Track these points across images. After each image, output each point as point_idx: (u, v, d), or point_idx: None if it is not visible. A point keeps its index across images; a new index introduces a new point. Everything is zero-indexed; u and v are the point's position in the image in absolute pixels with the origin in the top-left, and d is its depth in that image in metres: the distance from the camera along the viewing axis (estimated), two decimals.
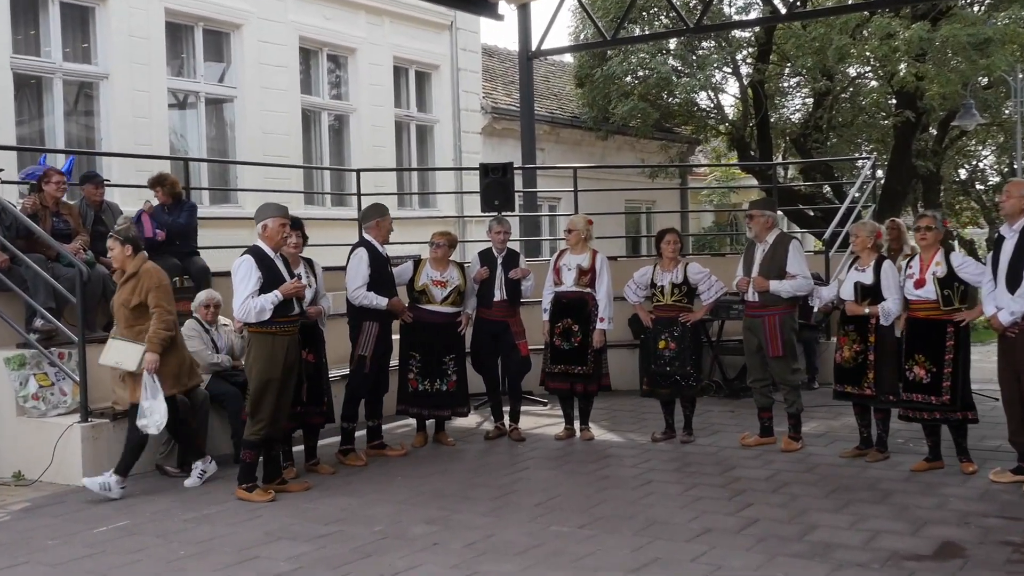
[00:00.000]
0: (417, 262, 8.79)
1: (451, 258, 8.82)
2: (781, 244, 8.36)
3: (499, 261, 9.06)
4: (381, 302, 8.16)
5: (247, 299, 6.97)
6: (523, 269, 9.06)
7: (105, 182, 9.84)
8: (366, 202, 11.27)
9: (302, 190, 15.37)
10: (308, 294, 7.61)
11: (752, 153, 21.21)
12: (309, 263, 7.93)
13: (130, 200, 10.66)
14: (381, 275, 8.25)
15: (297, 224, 7.72)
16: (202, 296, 8.64)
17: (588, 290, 8.85)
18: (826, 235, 12.46)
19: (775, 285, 8.24)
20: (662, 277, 8.74)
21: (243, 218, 13.13)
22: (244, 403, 8.26)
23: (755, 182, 22.44)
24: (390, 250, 8.56)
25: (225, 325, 8.72)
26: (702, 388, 8.86)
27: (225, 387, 8.38)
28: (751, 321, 8.46)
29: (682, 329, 8.63)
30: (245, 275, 7.02)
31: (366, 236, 8.37)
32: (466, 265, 9.18)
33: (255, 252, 7.12)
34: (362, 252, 8.21)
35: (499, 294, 8.97)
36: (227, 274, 10.39)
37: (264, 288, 7.02)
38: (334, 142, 16.58)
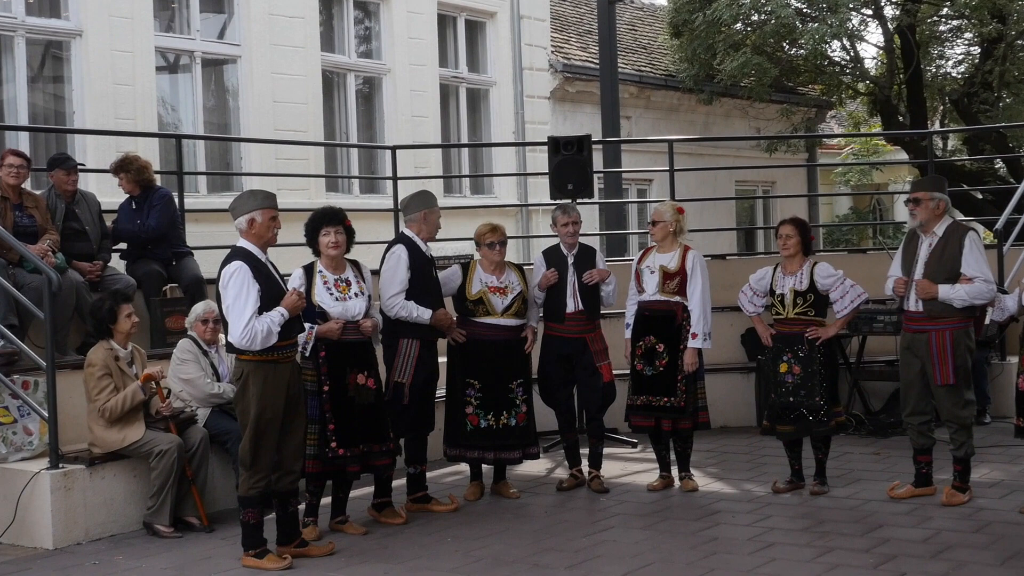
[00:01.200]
0: (465, 266, 8.85)
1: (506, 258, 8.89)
2: (954, 237, 8.24)
3: (570, 262, 9.08)
4: (424, 315, 8.22)
5: (250, 320, 6.91)
6: (602, 270, 9.07)
7: (79, 167, 10.05)
8: (403, 188, 11.39)
9: (323, 174, 15.55)
10: (360, 304, 7.76)
11: (900, 119, 20.94)
12: (356, 266, 8.04)
13: (110, 189, 10.87)
14: (424, 280, 8.32)
15: (338, 217, 7.81)
16: (199, 309, 8.78)
17: (677, 298, 8.84)
18: (999, 224, 12.25)
19: (946, 291, 8.12)
20: (782, 283, 8.68)
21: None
22: None
23: (904, 156, 22.17)
24: (432, 248, 8.61)
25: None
26: (838, 424, 8.78)
27: (228, 423, 8.49)
28: (912, 338, 8.35)
29: (809, 349, 8.56)
30: (241, 289, 6.93)
31: (406, 231, 8.44)
32: (527, 268, 9.20)
33: (245, 256, 7.06)
34: (401, 251, 8.28)
35: (572, 303, 8.99)
36: None
37: (262, 304, 6.98)
38: (363, 112, 16.74)
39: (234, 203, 7.23)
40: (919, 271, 8.27)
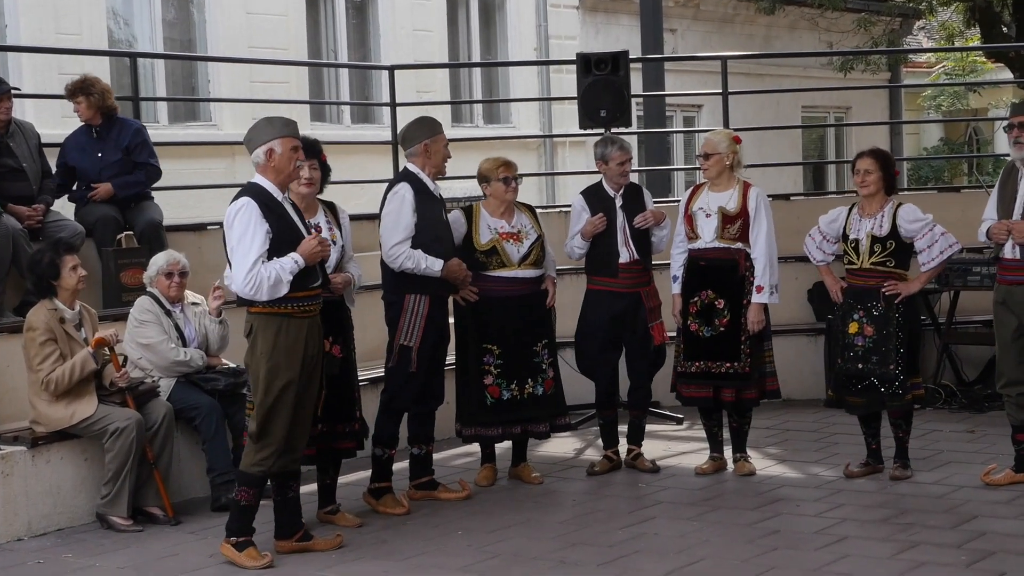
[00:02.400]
0: (468, 210, 8.89)
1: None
2: None
3: (618, 204, 9.12)
4: (434, 266, 8.25)
5: (255, 265, 7.00)
6: (656, 211, 9.11)
7: (13, 91, 10.07)
8: (403, 116, 11.40)
9: (308, 100, 15.56)
10: (332, 255, 7.73)
11: (1004, 30, 20.83)
12: (331, 208, 8.07)
13: (51, 120, 10.95)
14: (433, 225, 8.35)
15: (313, 150, 7.86)
16: (160, 261, 8.83)
17: (738, 245, 8.87)
18: None
19: None
20: (858, 226, 8.68)
21: (219, 143, 13.40)
22: (232, 420, 8.50)
23: (1008, 75, 22.06)
24: (444, 188, 8.65)
25: (195, 304, 8.91)
26: (915, 398, 8.79)
27: (197, 397, 8.57)
28: (1008, 291, 8.36)
29: (886, 306, 8.58)
30: (248, 229, 7.04)
31: (410, 167, 8.47)
32: (548, 211, 9.20)
33: (257, 193, 7.17)
34: (405, 191, 8.30)
35: (626, 252, 9.04)
36: (191, 228, 10.79)
37: (274, 248, 7.09)
38: (355, 26, 16.75)
39: (249, 134, 7.32)
40: (1018, 211, 8.28)
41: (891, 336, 8.57)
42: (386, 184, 8.61)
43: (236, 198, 7.18)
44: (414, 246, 8.22)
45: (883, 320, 8.58)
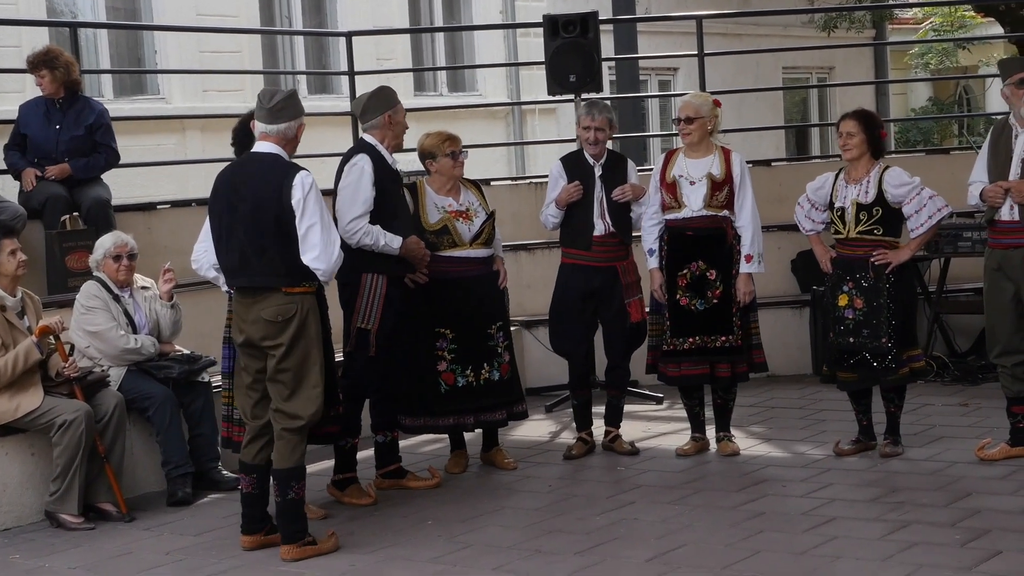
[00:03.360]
0: (412, 188, 8.85)
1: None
2: None
3: (597, 173, 9.11)
4: (393, 242, 8.23)
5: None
6: (635, 185, 9.10)
7: None
8: (362, 85, 11.35)
9: (261, 70, 15.50)
10: None
11: None
12: None
13: None
14: (392, 200, 8.32)
15: None
16: (107, 243, 8.78)
17: (724, 213, 8.87)
18: None
19: None
20: (843, 193, 8.68)
21: (168, 117, 13.34)
22: (187, 409, 8.48)
23: (999, 30, 22.09)
24: (400, 162, 8.62)
25: (145, 288, 8.87)
26: (912, 371, 8.82)
27: (149, 386, 8.56)
28: (1003, 256, 8.38)
29: (875, 277, 8.60)
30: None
31: (367, 139, 8.44)
32: (521, 183, 9.20)
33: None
34: (364, 162, 8.26)
35: (602, 225, 9.03)
36: (140, 208, 10.74)
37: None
38: None
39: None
40: (1015, 171, 8.28)
41: (882, 308, 8.58)
42: (339, 157, 8.56)
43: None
44: (372, 222, 8.20)
45: (873, 291, 8.59)
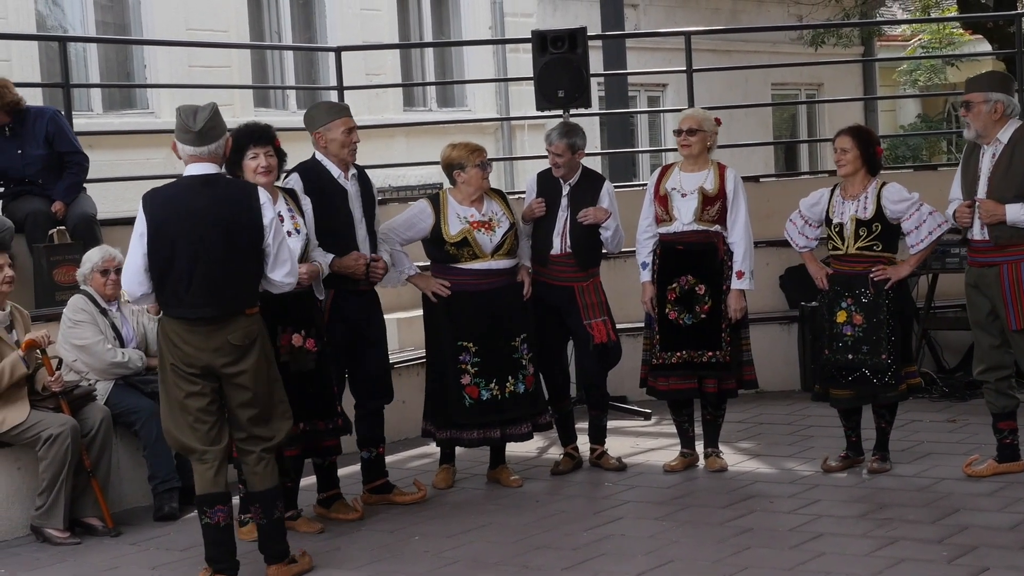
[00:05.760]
0: (435, 199, 8.85)
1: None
2: (1022, 144, 8.24)
3: (564, 191, 9.10)
4: (322, 262, 8.11)
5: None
6: (599, 209, 9.06)
7: None
8: (353, 99, 11.41)
9: (251, 84, 15.50)
10: (297, 244, 7.76)
11: (983, 1, 20.91)
12: (292, 196, 8.07)
13: None
14: (328, 217, 8.22)
15: (266, 136, 7.82)
16: (94, 257, 8.77)
17: (716, 228, 8.87)
18: None
19: (1015, 212, 8.15)
20: (841, 209, 8.68)
21: (157, 132, 13.30)
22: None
23: (988, 47, 22.15)
24: (390, 177, 8.58)
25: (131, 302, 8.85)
26: (910, 387, 8.80)
27: (136, 400, 8.54)
28: (979, 273, 8.40)
29: (875, 293, 8.59)
30: None
31: (317, 154, 8.40)
32: (511, 198, 9.18)
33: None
34: (292, 180, 8.24)
35: (559, 244, 9.03)
36: (128, 222, 10.51)
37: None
38: (300, 6, 16.69)
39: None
40: (982, 189, 8.30)
41: (882, 324, 8.57)
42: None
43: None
44: None
45: (873, 307, 8.58)
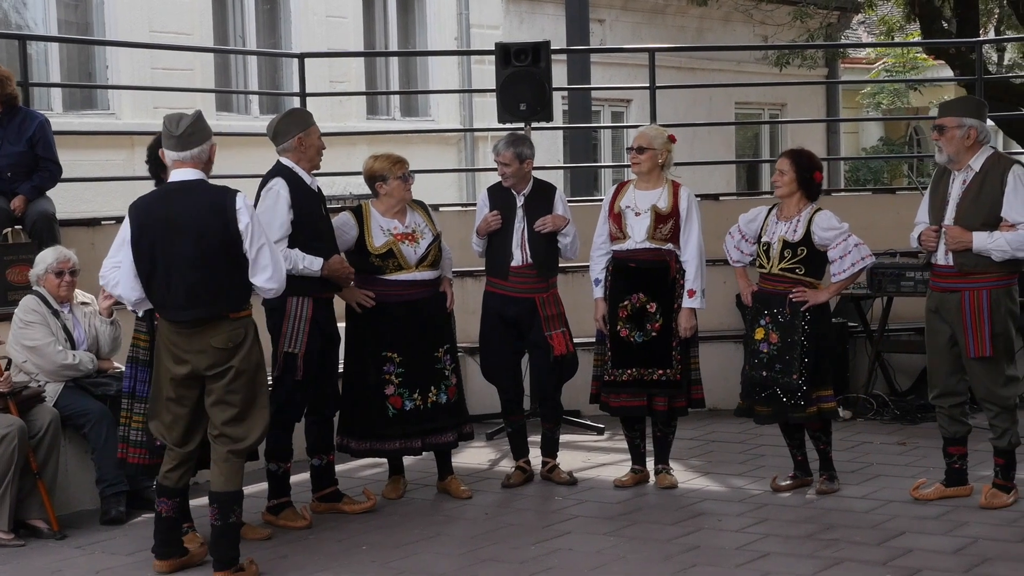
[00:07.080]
0: (357, 211, 8.84)
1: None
2: (994, 172, 8.28)
3: (519, 203, 9.12)
4: (313, 264, 8.19)
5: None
6: (557, 216, 9.11)
7: None
8: (316, 106, 11.39)
9: (213, 88, 15.45)
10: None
11: (945, 25, 21.04)
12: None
13: None
14: (311, 222, 8.29)
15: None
16: (49, 258, 8.74)
17: (668, 246, 8.90)
18: None
19: (982, 240, 8.17)
20: (773, 229, 8.73)
21: (118, 133, 13.28)
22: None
23: (949, 72, 22.30)
24: (351, 185, 8.60)
25: (85, 304, 8.83)
26: (821, 411, 8.80)
27: (86, 403, 8.52)
28: (940, 299, 8.42)
29: (791, 314, 8.63)
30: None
31: (284, 161, 8.40)
32: (471, 209, 9.19)
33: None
34: (279, 186, 8.23)
35: (520, 256, 9.05)
36: (85, 223, 10.68)
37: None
38: (265, 11, 16.66)
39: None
40: (950, 215, 8.32)
41: (795, 345, 8.61)
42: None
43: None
44: (292, 245, 8.17)
45: (789, 328, 8.63)
